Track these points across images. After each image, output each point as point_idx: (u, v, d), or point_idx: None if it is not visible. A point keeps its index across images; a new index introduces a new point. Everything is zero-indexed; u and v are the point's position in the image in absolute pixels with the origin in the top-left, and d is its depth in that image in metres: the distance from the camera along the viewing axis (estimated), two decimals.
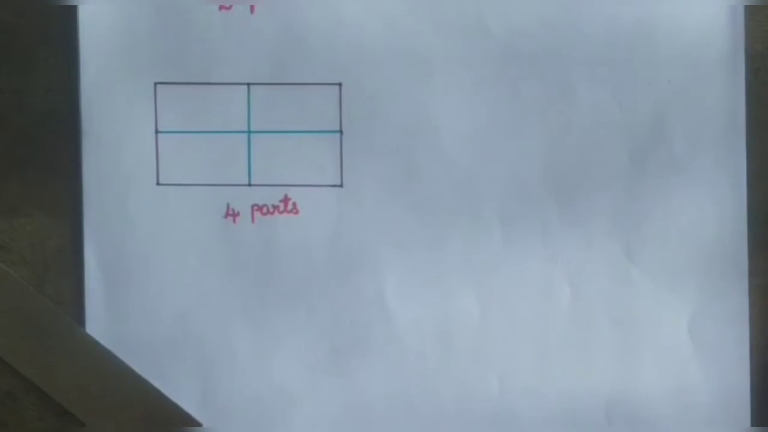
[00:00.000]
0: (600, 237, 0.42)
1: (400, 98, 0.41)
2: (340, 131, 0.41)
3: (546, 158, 0.41)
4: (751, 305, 0.42)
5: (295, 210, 0.42)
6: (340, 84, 0.41)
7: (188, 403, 0.41)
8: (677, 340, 0.42)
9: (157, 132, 0.41)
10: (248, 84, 0.41)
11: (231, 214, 0.41)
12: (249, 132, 0.41)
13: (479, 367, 0.42)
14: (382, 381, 0.42)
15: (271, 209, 0.42)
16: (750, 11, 0.41)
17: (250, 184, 0.41)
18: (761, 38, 0.41)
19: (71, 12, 0.41)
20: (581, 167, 0.41)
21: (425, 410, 0.42)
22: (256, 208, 0.42)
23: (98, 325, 0.41)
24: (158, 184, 0.41)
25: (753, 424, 0.42)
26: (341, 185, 0.42)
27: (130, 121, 0.41)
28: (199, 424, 0.40)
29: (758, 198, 0.41)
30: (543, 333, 0.42)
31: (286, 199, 0.42)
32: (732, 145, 0.41)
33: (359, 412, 0.42)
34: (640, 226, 0.41)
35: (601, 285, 0.42)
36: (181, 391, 0.41)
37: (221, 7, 0.41)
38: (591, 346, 0.42)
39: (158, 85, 0.41)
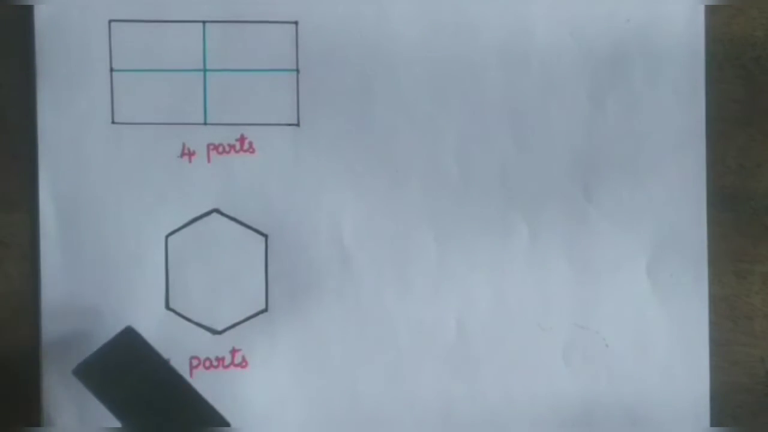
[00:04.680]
0: (558, 177, 0.41)
1: (358, 37, 0.41)
2: (297, 70, 0.41)
3: (504, 97, 0.41)
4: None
5: (251, 149, 0.41)
6: (296, 22, 0.41)
7: None
8: (635, 280, 0.41)
9: (111, 70, 0.41)
10: (204, 22, 0.41)
11: (187, 153, 0.41)
12: (205, 70, 0.41)
13: (437, 308, 0.41)
14: (339, 322, 0.41)
15: (227, 148, 0.41)
16: None
17: (205, 123, 0.41)
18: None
19: None
20: (540, 107, 0.41)
21: (382, 351, 0.41)
22: (212, 147, 0.41)
23: (53, 264, 0.41)
24: (113, 122, 0.41)
25: (711, 364, 0.42)
26: (298, 124, 0.41)
27: (84, 60, 0.41)
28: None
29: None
30: (500, 273, 0.41)
31: (242, 139, 0.41)
32: (691, 85, 0.41)
33: (316, 353, 0.41)
34: (598, 166, 0.41)
35: (558, 225, 0.41)
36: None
37: None
38: (548, 287, 0.41)
39: (113, 23, 0.41)
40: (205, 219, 0.41)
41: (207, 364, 0.41)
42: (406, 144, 0.41)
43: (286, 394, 0.41)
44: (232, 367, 0.41)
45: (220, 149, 0.41)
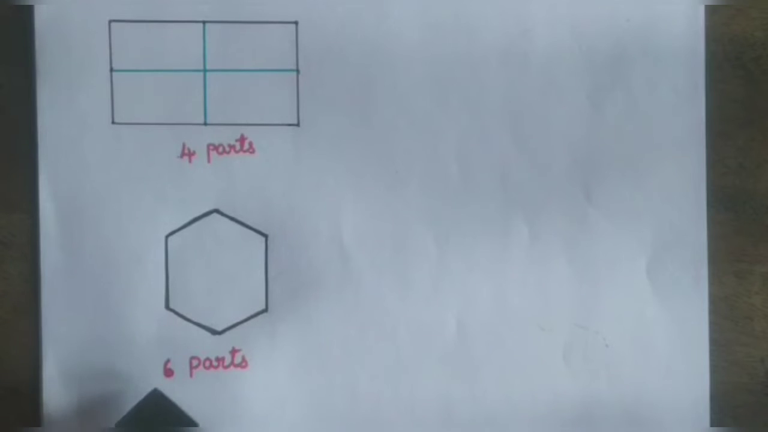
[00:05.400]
0: (558, 177, 0.41)
1: (358, 37, 0.41)
2: (297, 70, 0.41)
3: (504, 98, 0.41)
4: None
5: (251, 149, 0.41)
6: (296, 22, 0.41)
7: (142, 343, 0.41)
8: (635, 280, 0.41)
9: (112, 71, 0.41)
10: (204, 22, 0.41)
11: (187, 153, 0.41)
12: (205, 71, 0.41)
13: (436, 308, 0.41)
14: (339, 322, 0.41)
15: (227, 149, 0.41)
16: None
17: (206, 123, 0.41)
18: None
19: None
20: (540, 107, 0.41)
21: (382, 351, 0.41)
22: (212, 147, 0.41)
23: (53, 265, 0.41)
24: (113, 123, 0.41)
25: (711, 364, 0.42)
26: (298, 125, 0.41)
27: (84, 60, 0.41)
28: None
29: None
30: (500, 273, 0.41)
31: (242, 139, 0.41)
32: (691, 85, 0.41)
33: (316, 353, 0.41)
34: (598, 166, 0.41)
35: (559, 226, 0.41)
36: (135, 330, 0.41)
37: None
38: (548, 287, 0.41)
39: (113, 23, 0.41)
40: (205, 219, 0.41)
41: (207, 364, 0.41)
42: (406, 144, 0.41)
43: (286, 394, 0.41)
44: (232, 367, 0.41)
45: (220, 149, 0.41)
